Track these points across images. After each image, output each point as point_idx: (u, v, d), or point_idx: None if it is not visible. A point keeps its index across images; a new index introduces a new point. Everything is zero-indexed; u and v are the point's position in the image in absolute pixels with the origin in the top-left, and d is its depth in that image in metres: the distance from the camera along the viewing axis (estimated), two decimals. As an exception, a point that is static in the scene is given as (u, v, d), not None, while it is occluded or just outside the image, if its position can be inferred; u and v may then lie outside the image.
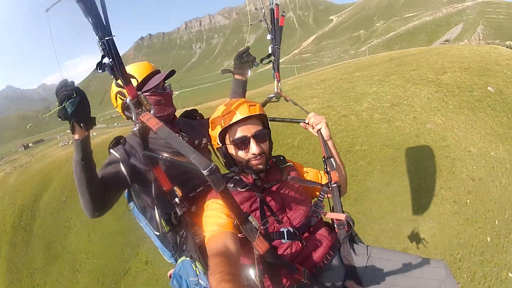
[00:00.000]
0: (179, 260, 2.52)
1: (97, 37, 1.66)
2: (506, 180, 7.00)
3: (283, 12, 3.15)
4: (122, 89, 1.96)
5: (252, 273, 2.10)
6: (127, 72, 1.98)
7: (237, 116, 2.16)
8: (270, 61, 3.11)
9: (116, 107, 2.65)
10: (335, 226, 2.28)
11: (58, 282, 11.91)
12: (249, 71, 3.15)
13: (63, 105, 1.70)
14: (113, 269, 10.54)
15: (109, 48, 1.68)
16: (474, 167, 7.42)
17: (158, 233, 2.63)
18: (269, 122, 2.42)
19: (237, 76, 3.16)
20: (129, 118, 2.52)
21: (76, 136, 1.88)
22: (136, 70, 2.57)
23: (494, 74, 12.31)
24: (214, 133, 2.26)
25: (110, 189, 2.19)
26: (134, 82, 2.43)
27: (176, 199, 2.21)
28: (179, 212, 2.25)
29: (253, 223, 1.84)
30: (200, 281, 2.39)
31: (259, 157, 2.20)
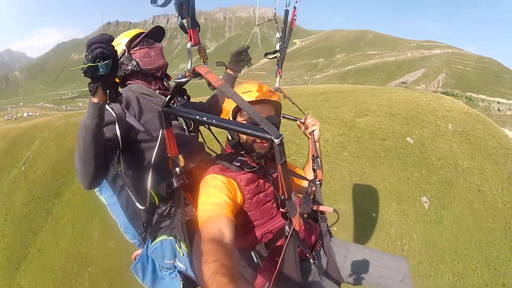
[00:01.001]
0: (158, 239, 2.38)
1: None
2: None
3: (295, 16, 3.31)
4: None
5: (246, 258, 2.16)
6: (119, 38, 2.35)
7: (256, 95, 2.23)
8: (275, 57, 3.22)
9: None
10: (319, 218, 2.49)
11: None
12: (242, 69, 3.23)
13: (96, 63, 1.54)
14: (18, 251, 10.42)
15: None
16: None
17: (140, 206, 2.39)
18: None
19: (229, 71, 3.19)
20: (122, 80, 2.62)
21: (96, 99, 1.75)
22: (125, 34, 2.63)
23: (423, 124, 12.60)
24: (229, 107, 2.29)
25: (107, 155, 2.08)
26: (125, 41, 2.56)
27: (177, 169, 2.13)
28: (175, 184, 2.17)
29: (294, 199, 1.77)
30: (177, 263, 2.32)
31: (265, 141, 2.22)
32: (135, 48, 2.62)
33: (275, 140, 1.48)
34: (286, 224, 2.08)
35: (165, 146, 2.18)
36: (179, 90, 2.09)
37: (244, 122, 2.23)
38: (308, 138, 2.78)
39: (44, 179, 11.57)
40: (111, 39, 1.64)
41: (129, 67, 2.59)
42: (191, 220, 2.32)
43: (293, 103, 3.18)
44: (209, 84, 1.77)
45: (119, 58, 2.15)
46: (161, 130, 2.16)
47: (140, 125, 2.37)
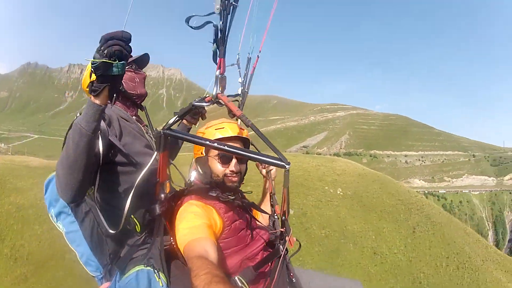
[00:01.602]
0: (132, 270, 2.22)
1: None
2: None
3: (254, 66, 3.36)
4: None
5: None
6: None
7: (228, 133, 2.36)
8: (236, 100, 3.05)
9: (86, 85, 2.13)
10: (279, 245, 2.41)
11: None
12: (198, 121, 3.20)
13: (112, 61, 1.52)
14: None
15: (230, 12, 1.71)
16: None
17: (110, 231, 2.20)
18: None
19: (185, 122, 3.17)
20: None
21: (99, 101, 1.70)
22: None
23: (308, 192, 13.90)
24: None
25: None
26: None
27: (162, 195, 2.11)
28: (158, 211, 2.13)
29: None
30: None
31: (235, 175, 2.39)
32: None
33: (287, 166, 1.81)
34: (280, 244, 2.29)
35: (151, 171, 2.23)
36: (189, 112, 2.23)
37: (215, 158, 2.37)
38: (264, 177, 2.95)
39: None
40: (130, 38, 1.59)
41: None
42: (167, 250, 2.25)
43: (252, 144, 2.99)
44: (230, 111, 2.14)
45: None
46: (155, 153, 2.25)
47: (121, 146, 2.29)
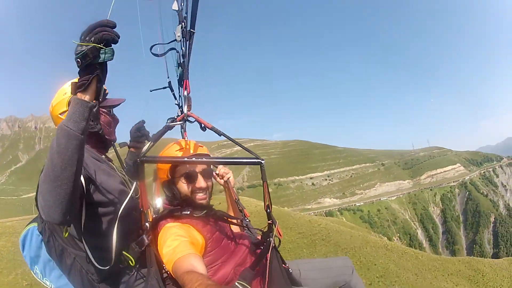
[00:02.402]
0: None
1: (182, 24, 1.77)
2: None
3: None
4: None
5: None
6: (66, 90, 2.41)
7: (189, 152, 2.50)
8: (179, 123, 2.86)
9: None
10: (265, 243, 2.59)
11: None
12: (144, 145, 3.16)
13: (101, 47, 1.49)
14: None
15: (188, 39, 1.80)
16: None
17: (100, 267, 2.23)
18: None
19: (132, 149, 3.30)
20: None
21: (87, 96, 1.61)
22: None
23: None
24: (164, 165, 2.49)
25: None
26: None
27: (147, 224, 2.15)
28: (146, 241, 2.18)
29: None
30: None
31: (204, 191, 2.50)
32: (104, 110, 2.58)
33: (262, 162, 2.21)
34: (270, 237, 2.47)
35: (130, 206, 2.33)
36: (164, 133, 2.39)
37: (180, 178, 2.44)
38: (223, 186, 3.19)
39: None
40: (116, 26, 1.55)
41: (95, 126, 2.49)
42: (169, 277, 2.26)
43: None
44: (201, 126, 2.53)
45: None
46: (134, 183, 2.42)
47: (97, 184, 2.27)
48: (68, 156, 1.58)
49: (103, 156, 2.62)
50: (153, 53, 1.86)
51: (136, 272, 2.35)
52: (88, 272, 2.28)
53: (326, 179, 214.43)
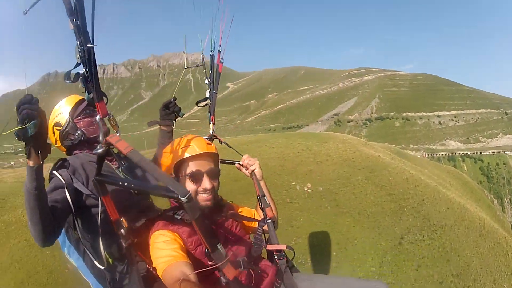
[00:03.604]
0: None
1: (77, 42, 1.61)
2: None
3: (222, 59, 3.42)
4: (58, 119, 2.61)
5: None
6: (56, 108, 2.68)
7: (196, 150, 2.36)
8: (206, 104, 3.31)
9: (54, 143, 2.72)
10: (275, 257, 2.55)
11: None
12: (174, 122, 3.27)
13: (25, 125, 1.65)
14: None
15: (88, 57, 1.64)
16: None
17: (100, 267, 2.57)
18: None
19: (163, 127, 3.27)
20: (69, 149, 2.78)
21: (31, 163, 1.87)
22: (66, 101, 2.78)
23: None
24: (167, 162, 2.42)
25: (58, 217, 2.24)
26: (68, 109, 2.74)
27: (122, 230, 2.16)
28: (124, 244, 2.22)
29: (221, 250, 1.94)
30: None
31: (209, 192, 2.39)
32: (79, 117, 2.71)
33: (182, 199, 1.69)
34: (221, 275, 2.13)
35: (128, 202, 2.57)
36: (102, 160, 2.05)
37: (185, 177, 2.35)
38: (252, 178, 2.89)
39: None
40: (34, 99, 1.69)
41: (76, 137, 2.69)
42: (145, 276, 2.34)
43: (230, 147, 3.27)
44: (119, 152, 2.27)
45: (64, 128, 2.59)
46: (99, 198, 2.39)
47: (88, 191, 2.46)
48: (32, 206, 1.96)
49: None
50: (66, 81, 1.68)
51: (125, 265, 2.60)
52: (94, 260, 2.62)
53: (452, 120, 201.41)
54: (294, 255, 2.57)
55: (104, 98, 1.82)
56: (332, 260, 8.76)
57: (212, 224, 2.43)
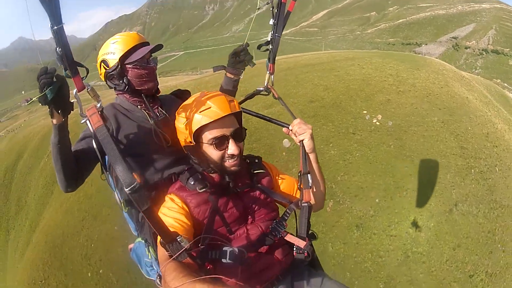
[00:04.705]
0: (136, 240, 2.74)
1: (49, 25, 1.60)
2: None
3: None
4: (107, 57, 2.46)
5: None
6: (111, 43, 2.51)
7: (218, 114, 2.06)
8: (267, 49, 2.86)
9: (100, 75, 2.65)
10: (294, 249, 2.19)
11: (21, 226, 16.14)
12: (243, 71, 3.01)
13: (44, 92, 1.76)
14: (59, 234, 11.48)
15: (59, 37, 1.65)
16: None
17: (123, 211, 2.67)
18: (255, 120, 2.75)
19: (229, 75, 3.02)
20: (110, 88, 2.68)
21: (54, 121, 1.99)
22: (122, 40, 2.58)
23: (331, 117, 10.60)
24: (185, 128, 2.14)
25: (82, 164, 2.30)
26: (120, 53, 2.51)
27: (135, 184, 1.93)
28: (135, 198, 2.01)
29: (182, 243, 1.73)
30: (153, 264, 2.54)
31: (236, 157, 2.15)
32: (130, 66, 2.55)
33: (125, 190, 1.58)
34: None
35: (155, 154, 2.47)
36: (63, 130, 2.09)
37: (208, 144, 2.11)
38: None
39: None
40: (49, 69, 1.76)
41: (121, 84, 2.58)
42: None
43: (284, 105, 2.71)
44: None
45: (111, 70, 2.48)
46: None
47: (115, 140, 2.29)
48: (55, 156, 2.10)
49: (138, 106, 2.63)
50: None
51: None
52: None
53: None
54: (311, 255, 2.16)
55: (83, 70, 1.87)
56: (372, 207, 8.07)
57: (237, 191, 2.18)
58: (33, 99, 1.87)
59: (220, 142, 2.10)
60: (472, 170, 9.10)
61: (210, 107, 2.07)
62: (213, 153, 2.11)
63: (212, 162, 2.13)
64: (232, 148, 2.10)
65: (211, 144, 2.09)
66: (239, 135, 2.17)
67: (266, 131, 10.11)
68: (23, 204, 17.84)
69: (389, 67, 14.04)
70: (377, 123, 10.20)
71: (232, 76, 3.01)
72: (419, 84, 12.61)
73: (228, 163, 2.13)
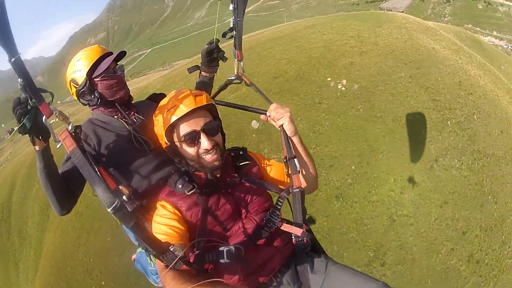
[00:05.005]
0: (138, 249, 2.79)
1: (7, 58, 1.57)
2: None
3: None
4: (75, 76, 2.43)
5: None
6: (76, 62, 2.47)
7: (183, 110, 2.00)
8: (232, 36, 2.71)
9: (72, 94, 2.64)
10: (293, 237, 2.07)
11: (27, 257, 15.98)
12: (217, 68, 2.99)
13: (22, 122, 1.78)
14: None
15: (18, 68, 1.59)
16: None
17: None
18: (223, 107, 2.53)
19: (204, 73, 2.99)
20: (84, 105, 2.65)
21: (37, 147, 2.00)
22: (86, 56, 2.57)
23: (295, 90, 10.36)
24: (160, 131, 2.11)
25: (72, 185, 2.30)
26: (86, 68, 2.48)
27: (124, 197, 1.94)
28: (128, 209, 1.87)
29: (175, 252, 1.65)
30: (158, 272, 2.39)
31: (212, 151, 2.06)
32: (97, 79, 2.52)
33: (108, 210, 1.53)
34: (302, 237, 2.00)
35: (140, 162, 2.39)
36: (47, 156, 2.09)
37: (181, 142, 2.05)
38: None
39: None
40: (21, 99, 1.76)
41: (93, 98, 2.55)
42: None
43: (258, 91, 2.58)
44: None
45: (81, 87, 2.45)
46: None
47: (95, 156, 2.38)
48: (44, 182, 2.07)
49: (115, 116, 2.59)
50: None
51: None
52: None
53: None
54: (310, 241, 2.04)
55: (48, 96, 1.79)
56: (349, 175, 7.65)
57: (226, 187, 2.12)
58: (15, 129, 1.83)
59: (190, 138, 2.03)
60: (449, 122, 8.68)
61: (175, 105, 2.02)
62: (188, 150, 2.05)
63: (190, 159, 2.08)
64: (204, 143, 2.02)
65: (183, 141, 2.04)
66: (211, 128, 2.08)
67: (234, 116, 9.83)
68: (25, 235, 18.16)
69: (350, 29, 13.61)
70: (343, 88, 9.72)
71: (207, 75, 2.99)
72: (381, 42, 12.15)
73: (206, 158, 2.05)
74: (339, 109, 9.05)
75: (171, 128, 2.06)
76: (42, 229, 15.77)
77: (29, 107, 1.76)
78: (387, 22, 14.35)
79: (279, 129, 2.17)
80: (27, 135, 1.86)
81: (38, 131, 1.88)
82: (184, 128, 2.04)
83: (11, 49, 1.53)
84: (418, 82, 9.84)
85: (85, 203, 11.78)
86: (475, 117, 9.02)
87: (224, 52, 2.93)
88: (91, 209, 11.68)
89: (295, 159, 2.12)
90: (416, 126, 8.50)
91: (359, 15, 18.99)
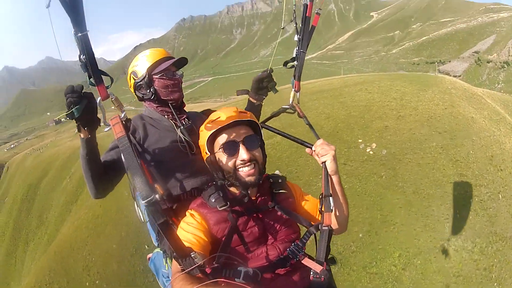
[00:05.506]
0: (155, 250, 2.81)
1: (73, 32, 1.60)
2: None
3: (319, 9, 2.77)
4: (136, 69, 2.56)
5: None
6: (140, 57, 2.63)
7: (225, 121, 2.09)
8: (293, 66, 2.76)
9: (130, 87, 2.75)
10: (311, 274, 1.95)
11: (40, 239, 17.60)
12: (265, 97, 3.04)
13: (71, 109, 1.80)
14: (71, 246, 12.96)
15: (83, 44, 1.63)
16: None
17: (141, 220, 2.67)
18: (275, 135, 2.59)
19: (252, 99, 3.04)
20: (140, 99, 2.74)
21: (82, 135, 2.05)
22: (150, 54, 2.68)
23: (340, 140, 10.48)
24: (202, 141, 2.19)
25: (111, 174, 2.35)
26: (148, 64, 2.59)
27: (157, 196, 1.80)
28: (162, 206, 2.04)
29: (195, 259, 1.64)
30: (169, 276, 2.48)
31: (250, 164, 2.07)
32: (156, 76, 2.64)
33: (142, 202, 1.56)
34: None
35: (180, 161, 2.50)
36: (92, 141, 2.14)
37: (220, 151, 2.10)
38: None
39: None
40: (75, 88, 1.82)
41: (148, 93, 2.66)
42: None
43: (308, 124, 2.62)
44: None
45: (139, 80, 2.57)
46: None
47: (140, 149, 2.48)
48: (84, 168, 2.15)
49: (166, 116, 2.69)
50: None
51: None
52: None
53: None
54: (326, 281, 1.92)
55: (108, 79, 1.85)
56: (354, 243, 7.51)
57: (257, 210, 2.11)
58: (61, 119, 1.85)
59: (229, 147, 2.07)
60: (471, 200, 8.27)
61: (219, 117, 2.10)
62: (226, 161, 2.08)
63: (227, 172, 2.09)
64: (243, 154, 2.04)
65: (222, 150, 2.08)
66: (250, 141, 2.10)
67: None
68: (44, 220, 19.06)
69: (395, 90, 13.40)
70: (371, 152, 9.64)
71: (255, 101, 3.02)
72: (421, 107, 11.83)
73: (243, 172, 2.06)
74: (361, 173, 8.94)
75: (213, 138, 2.12)
76: (61, 220, 16.75)
77: (79, 101, 1.80)
78: (433, 86, 13.94)
79: (321, 165, 2.19)
80: (74, 121, 1.90)
81: (86, 121, 1.94)
82: (224, 138, 2.09)
83: (80, 24, 1.57)
84: (448, 154, 9.48)
85: (104, 208, 12.96)
86: (500, 195, 8.49)
87: (276, 84, 2.97)
88: (107, 216, 12.74)
89: (331, 198, 2.09)
90: (436, 201, 8.11)
91: (408, 76, 18.72)
